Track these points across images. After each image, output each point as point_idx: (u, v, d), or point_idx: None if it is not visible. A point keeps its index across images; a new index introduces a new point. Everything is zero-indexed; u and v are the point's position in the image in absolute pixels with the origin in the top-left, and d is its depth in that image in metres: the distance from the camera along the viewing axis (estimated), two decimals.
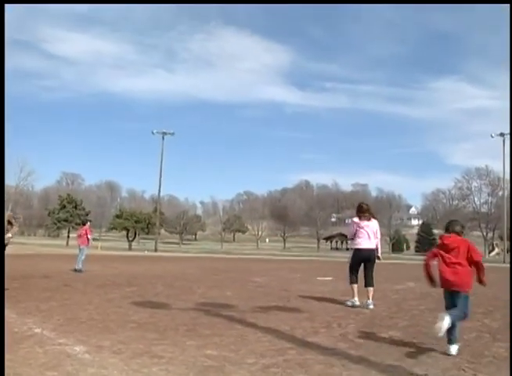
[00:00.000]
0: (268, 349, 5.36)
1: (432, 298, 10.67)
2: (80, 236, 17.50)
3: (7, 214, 7.18)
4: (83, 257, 16.44)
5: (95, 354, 4.95)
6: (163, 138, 57.52)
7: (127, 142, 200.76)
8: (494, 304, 9.78)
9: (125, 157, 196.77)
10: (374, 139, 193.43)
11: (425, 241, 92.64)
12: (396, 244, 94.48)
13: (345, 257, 9.63)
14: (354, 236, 9.17)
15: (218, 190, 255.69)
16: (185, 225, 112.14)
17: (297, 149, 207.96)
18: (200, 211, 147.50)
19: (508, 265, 38.91)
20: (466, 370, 4.69)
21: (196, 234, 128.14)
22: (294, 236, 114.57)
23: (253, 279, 14.87)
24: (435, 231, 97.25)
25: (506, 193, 68.50)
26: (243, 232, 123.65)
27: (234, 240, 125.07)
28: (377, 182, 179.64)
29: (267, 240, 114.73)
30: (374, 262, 9.21)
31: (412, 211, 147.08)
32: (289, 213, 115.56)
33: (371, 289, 9.06)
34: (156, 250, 52.23)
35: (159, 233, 70.58)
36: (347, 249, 29.85)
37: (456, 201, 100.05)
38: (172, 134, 58.84)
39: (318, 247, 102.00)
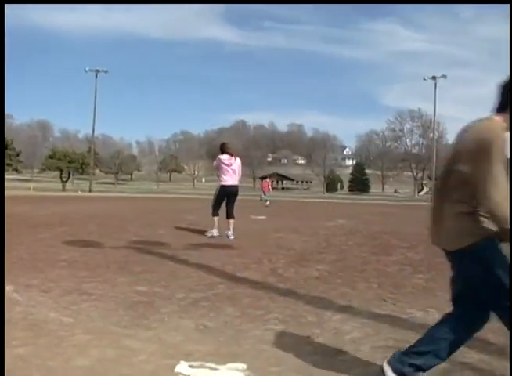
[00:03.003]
0: (198, 284, 5.45)
1: (360, 234, 11.09)
2: (264, 186, 27.29)
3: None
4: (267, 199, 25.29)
5: (24, 293, 4.90)
6: (96, 76, 55.74)
7: (58, 81, 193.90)
8: (418, 239, 10.25)
9: (57, 96, 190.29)
10: (310, 80, 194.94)
11: (358, 181, 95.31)
12: (330, 184, 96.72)
13: (213, 194, 10.16)
14: (219, 172, 9.87)
15: (154, 130, 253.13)
16: (121, 165, 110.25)
17: (234, 88, 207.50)
18: (135, 151, 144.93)
19: None
20: (387, 300, 4.95)
21: (131, 174, 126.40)
22: None
23: (187, 217, 14.93)
24: (368, 171, 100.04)
25: (437, 134, 70.54)
26: (180, 172, 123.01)
27: (170, 180, 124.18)
28: (313, 122, 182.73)
29: (203, 179, 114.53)
30: (237, 196, 10.09)
31: (347, 151, 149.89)
32: None
33: (232, 221, 9.88)
34: (90, 190, 51.35)
35: (93, 174, 69.29)
36: (272, 188, 32.64)
37: (389, 142, 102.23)
38: (106, 72, 56.98)
39: (254, 186, 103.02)
